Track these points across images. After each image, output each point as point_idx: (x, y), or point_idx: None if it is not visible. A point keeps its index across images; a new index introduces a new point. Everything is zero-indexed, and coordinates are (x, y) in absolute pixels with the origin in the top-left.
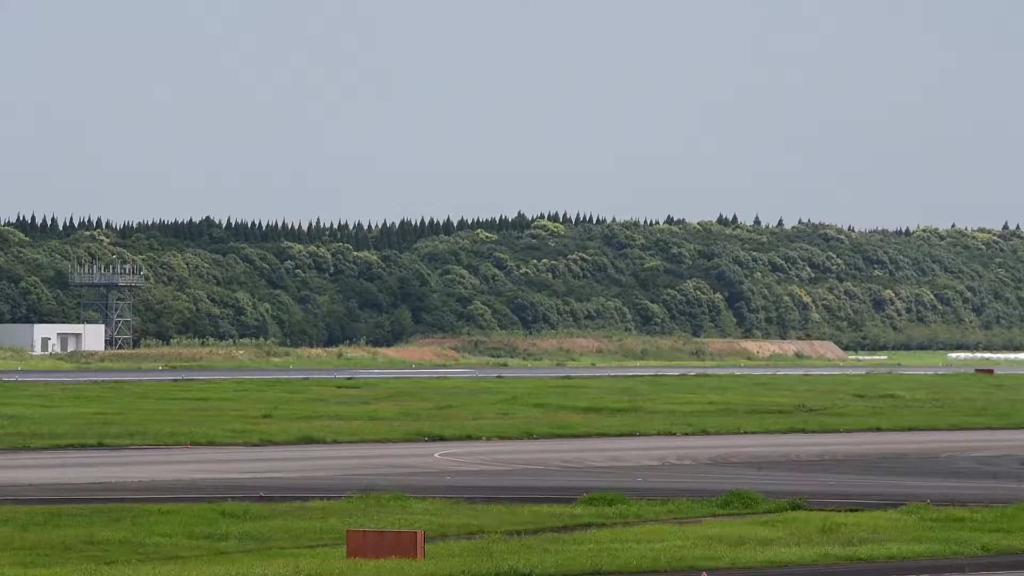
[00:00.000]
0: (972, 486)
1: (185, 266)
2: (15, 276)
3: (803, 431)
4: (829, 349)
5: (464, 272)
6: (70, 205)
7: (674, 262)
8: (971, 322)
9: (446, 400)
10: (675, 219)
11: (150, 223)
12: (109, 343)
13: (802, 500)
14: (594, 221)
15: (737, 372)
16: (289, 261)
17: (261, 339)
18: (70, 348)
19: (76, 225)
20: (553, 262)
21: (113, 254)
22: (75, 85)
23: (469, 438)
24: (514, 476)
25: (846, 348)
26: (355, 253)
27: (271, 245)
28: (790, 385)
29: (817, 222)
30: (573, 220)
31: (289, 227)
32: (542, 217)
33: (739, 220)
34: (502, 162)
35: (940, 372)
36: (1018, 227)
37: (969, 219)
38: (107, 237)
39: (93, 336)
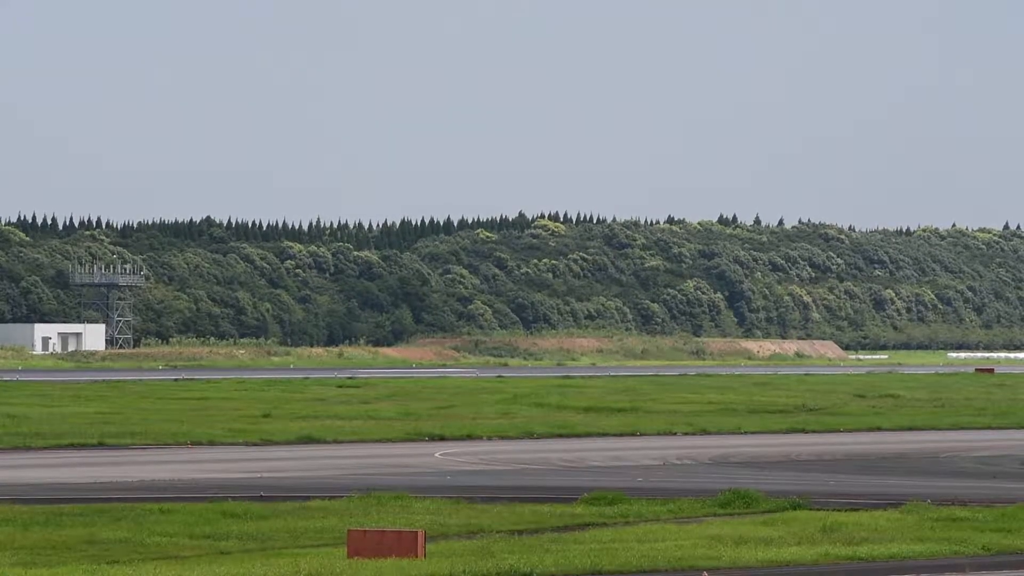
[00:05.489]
0: (972, 486)
1: (185, 266)
2: (16, 276)
3: (803, 431)
4: (829, 349)
5: (464, 272)
6: (70, 205)
7: (674, 262)
8: (972, 322)
9: (447, 400)
10: (675, 219)
11: (150, 223)
12: (110, 343)
13: (803, 500)
14: (595, 221)
15: (737, 372)
16: (289, 261)
17: (261, 339)
18: (71, 348)
19: (76, 225)
20: (554, 262)
21: (113, 254)
22: (75, 85)
23: (470, 438)
24: (515, 476)
25: (847, 348)
26: (355, 253)
27: (271, 245)
28: (790, 385)
29: (817, 222)
30: (574, 220)
31: (289, 227)
32: (542, 217)
33: (739, 220)
34: (502, 162)
35: (941, 372)
36: (1019, 227)
37: (970, 219)
38: (107, 237)
39: (93, 336)
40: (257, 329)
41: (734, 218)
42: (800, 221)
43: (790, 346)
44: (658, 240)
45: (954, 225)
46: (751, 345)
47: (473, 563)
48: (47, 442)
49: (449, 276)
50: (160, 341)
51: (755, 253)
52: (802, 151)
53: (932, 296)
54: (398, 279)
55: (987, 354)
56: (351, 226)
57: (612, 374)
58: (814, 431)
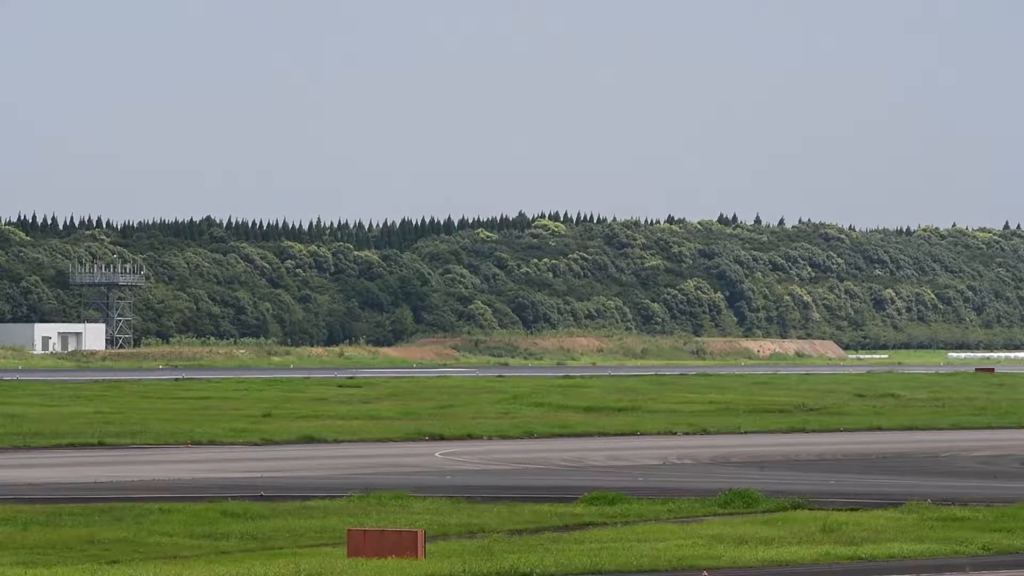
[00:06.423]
0: (973, 485)
1: (186, 265)
2: (16, 275)
3: (804, 430)
4: (830, 348)
5: (465, 271)
6: (70, 204)
7: (675, 261)
8: (972, 321)
9: (447, 399)
10: (676, 218)
11: (150, 222)
12: (110, 342)
13: (803, 499)
14: (595, 220)
15: (737, 371)
16: (290, 260)
17: (262, 338)
18: (71, 347)
19: (77, 224)
20: (554, 261)
21: (114, 253)
22: (75, 84)
23: (470, 437)
24: (515, 475)
25: (847, 347)
26: (356, 252)
27: (272, 244)
28: (790, 384)
29: (818, 221)
30: (574, 219)
31: (290, 226)
32: (543, 216)
33: (740, 219)
34: (502, 162)
35: (941, 371)
36: (1019, 226)
37: (970, 218)
38: (107, 236)
39: (94, 335)
40: (257, 329)
41: (734, 217)
42: (800, 221)
43: (790, 346)
44: (658, 240)
45: (954, 225)
46: (751, 345)
47: (473, 563)
48: (47, 442)
49: (449, 276)
50: (160, 341)
51: (755, 253)
52: (802, 151)
53: (932, 296)
54: (398, 279)
55: (987, 354)
56: (351, 226)
57: (612, 374)
58: (814, 431)
